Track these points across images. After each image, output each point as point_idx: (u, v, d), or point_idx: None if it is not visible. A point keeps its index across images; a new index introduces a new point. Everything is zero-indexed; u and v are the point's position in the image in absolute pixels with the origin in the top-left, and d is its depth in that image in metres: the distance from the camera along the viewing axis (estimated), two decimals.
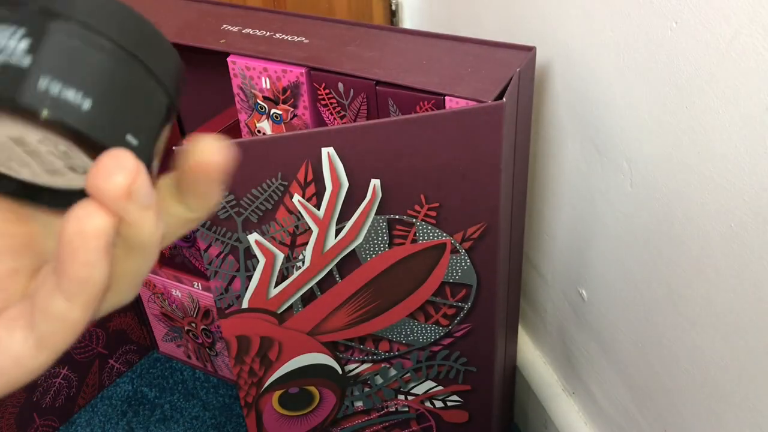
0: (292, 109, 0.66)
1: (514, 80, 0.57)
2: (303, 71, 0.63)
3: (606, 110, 0.59)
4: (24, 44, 0.21)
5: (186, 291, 0.93)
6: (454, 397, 0.74)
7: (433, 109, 0.59)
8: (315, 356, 0.69)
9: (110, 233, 0.21)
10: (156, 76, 0.24)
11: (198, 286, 0.92)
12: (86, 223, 0.20)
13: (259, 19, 0.72)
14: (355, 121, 0.65)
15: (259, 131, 0.70)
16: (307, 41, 0.67)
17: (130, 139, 0.22)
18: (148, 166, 0.23)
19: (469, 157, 0.56)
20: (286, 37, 0.67)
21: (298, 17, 0.72)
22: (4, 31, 0.21)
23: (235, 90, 0.68)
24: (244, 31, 0.69)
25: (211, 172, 0.23)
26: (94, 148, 0.22)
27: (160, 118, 0.24)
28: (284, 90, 0.65)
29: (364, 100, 0.62)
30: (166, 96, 0.24)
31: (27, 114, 0.21)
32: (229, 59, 0.66)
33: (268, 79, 0.65)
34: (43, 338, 0.22)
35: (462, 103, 0.56)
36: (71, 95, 0.21)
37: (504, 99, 0.54)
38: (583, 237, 0.68)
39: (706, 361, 0.54)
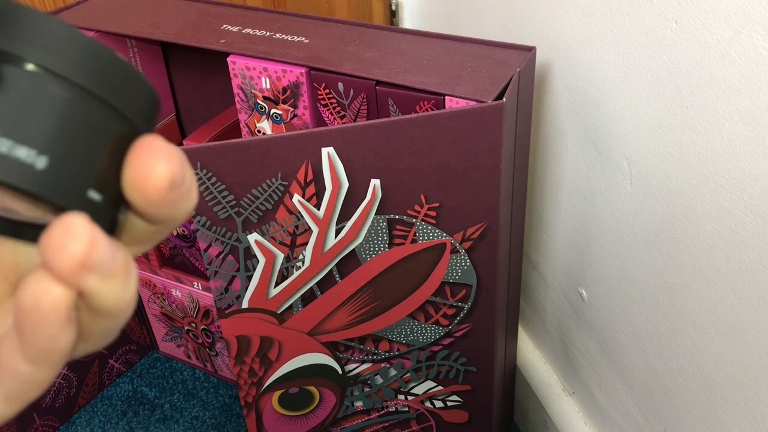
0: (292, 109, 0.66)
1: (514, 80, 0.57)
2: (303, 71, 0.63)
3: (606, 110, 0.59)
4: None
5: (186, 291, 0.93)
6: (454, 397, 0.74)
7: (433, 109, 0.59)
8: (315, 356, 0.69)
9: (70, 305, 0.19)
10: (124, 116, 0.21)
11: (198, 286, 0.92)
12: (42, 298, 0.18)
13: (259, 19, 0.72)
14: (355, 121, 0.65)
15: (259, 131, 0.70)
16: (307, 41, 0.67)
17: (93, 195, 0.20)
18: (116, 217, 0.21)
19: (469, 157, 0.56)
20: (286, 37, 0.67)
21: (298, 17, 0.72)
22: None
23: (235, 90, 0.68)
24: (244, 31, 0.69)
25: (149, 194, 0.20)
26: (51, 208, 0.19)
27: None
28: (284, 90, 0.65)
29: (364, 100, 0.62)
30: (136, 134, 0.21)
31: None
32: (229, 59, 0.66)
33: (268, 79, 0.65)
34: (10, 394, 0.21)
35: (462, 103, 0.56)
36: (23, 153, 0.19)
37: (504, 99, 0.54)
38: (583, 237, 0.68)
39: (706, 361, 0.54)
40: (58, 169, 0.19)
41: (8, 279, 0.23)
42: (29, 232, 0.22)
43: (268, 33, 0.69)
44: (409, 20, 1.01)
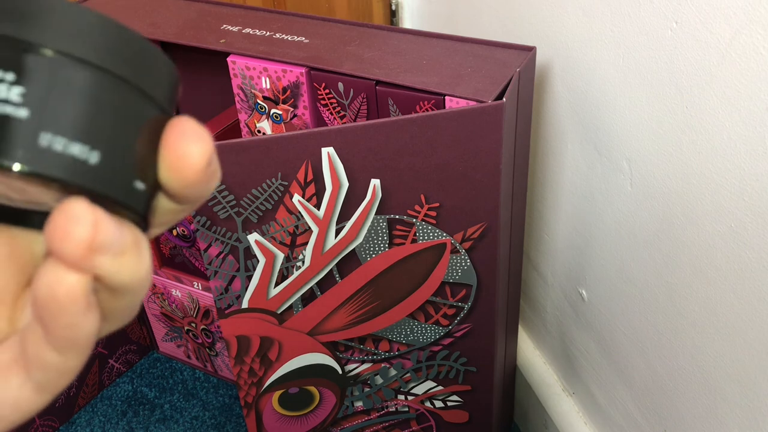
0: (292, 109, 0.66)
1: (514, 80, 0.57)
2: (303, 71, 0.63)
3: (606, 110, 0.59)
4: (16, 92, 0.18)
5: (186, 291, 0.93)
6: (454, 397, 0.74)
7: (433, 109, 0.59)
8: (315, 356, 0.69)
9: (87, 290, 0.19)
10: (153, 99, 0.20)
11: (198, 286, 0.92)
12: (57, 289, 0.18)
13: (259, 19, 0.72)
14: (355, 121, 0.65)
15: (259, 131, 0.70)
16: (307, 41, 0.67)
17: (138, 185, 0.20)
18: (152, 203, 0.21)
19: (470, 157, 0.56)
20: (286, 37, 0.67)
21: (298, 17, 0.72)
22: None
23: (235, 90, 0.68)
24: (244, 31, 0.69)
25: (187, 177, 0.20)
26: (101, 201, 0.19)
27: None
28: (284, 90, 0.65)
29: (364, 100, 0.62)
30: (166, 117, 0.21)
31: (30, 176, 0.18)
32: (229, 59, 0.66)
33: (268, 79, 0.65)
34: (40, 385, 0.21)
35: (462, 103, 0.56)
36: (77, 150, 0.19)
37: (504, 99, 0.54)
38: (583, 237, 0.68)
39: (706, 361, 0.54)
40: (109, 162, 0.19)
41: (25, 270, 0.22)
42: (37, 220, 0.22)
43: (268, 33, 0.68)
44: (409, 20, 1.01)
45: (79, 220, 0.18)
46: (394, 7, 1.02)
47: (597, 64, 0.58)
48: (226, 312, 0.66)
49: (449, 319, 0.67)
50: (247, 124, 0.70)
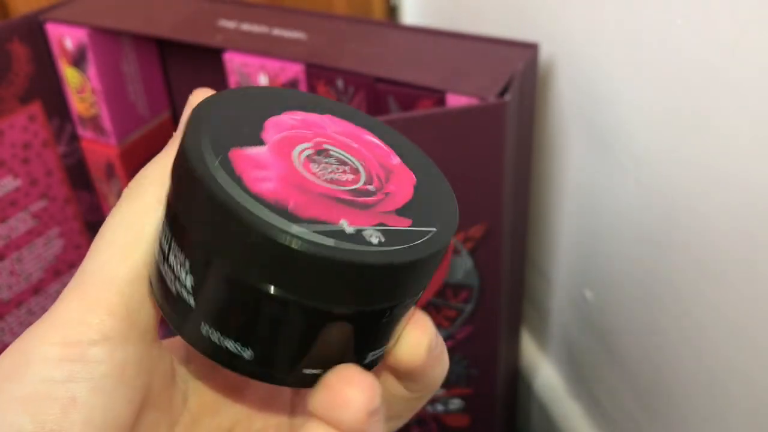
0: None
1: (517, 77, 0.56)
2: (301, 68, 0.62)
3: (610, 107, 0.58)
4: (189, 281, 0.20)
5: None
6: (456, 401, 0.73)
7: (434, 107, 0.58)
8: None
9: None
10: (335, 316, 0.21)
11: None
12: None
13: (257, 14, 0.71)
14: None
15: None
16: (305, 37, 0.66)
17: (309, 371, 0.21)
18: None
19: (471, 155, 0.55)
20: (284, 33, 0.67)
21: (297, 13, 0.71)
22: (178, 255, 0.20)
23: (232, 87, 0.67)
24: (241, 27, 0.68)
25: (417, 370, 0.22)
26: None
27: (344, 343, 0.22)
28: (283, 87, 0.64)
29: (364, 97, 0.62)
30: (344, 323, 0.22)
31: (196, 350, 0.21)
32: (225, 56, 0.65)
33: (266, 76, 0.64)
34: None
35: (464, 101, 0.56)
36: (230, 344, 0.20)
37: (507, 96, 0.53)
38: (588, 237, 0.68)
39: (713, 366, 0.53)
40: (265, 358, 0.21)
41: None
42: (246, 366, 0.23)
43: (265, 29, 0.68)
44: (409, 16, 1.01)
45: (362, 390, 0.19)
46: (393, 3, 1.02)
47: (601, 60, 0.58)
48: None
49: (450, 321, 0.66)
50: None
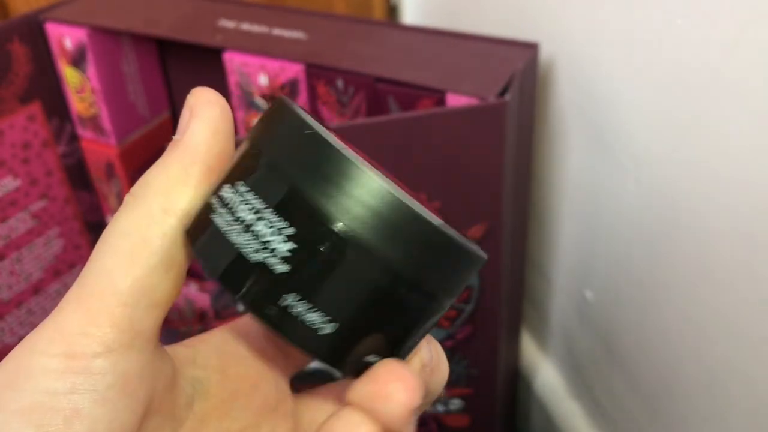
0: None
1: (517, 77, 0.56)
2: (301, 68, 0.62)
3: (610, 107, 0.58)
4: (286, 247, 0.19)
5: (182, 293, 0.92)
6: (456, 401, 0.73)
7: (434, 107, 0.58)
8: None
9: None
10: (433, 295, 0.21)
11: (193, 287, 0.91)
12: None
13: (256, 14, 0.71)
14: (354, 118, 0.64)
15: None
16: (305, 37, 0.66)
17: (371, 359, 0.21)
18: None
19: (472, 155, 0.55)
20: (284, 33, 0.67)
21: (297, 12, 0.71)
22: (275, 222, 0.19)
23: (232, 87, 0.67)
24: (240, 27, 0.68)
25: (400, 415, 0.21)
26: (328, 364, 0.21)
27: (419, 328, 0.22)
28: (282, 87, 0.64)
29: (364, 97, 0.62)
30: (440, 308, 0.22)
31: (264, 323, 0.20)
32: (225, 56, 0.65)
33: (266, 76, 0.64)
34: None
35: (464, 101, 0.56)
36: (313, 317, 0.19)
37: (507, 96, 0.53)
38: (588, 237, 0.68)
39: (713, 366, 0.53)
40: (341, 338, 0.20)
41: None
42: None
43: (265, 28, 0.68)
44: (409, 16, 1.01)
45: (404, 382, 0.19)
46: (393, 3, 1.01)
47: (601, 60, 0.58)
48: (223, 314, 0.65)
49: (450, 321, 0.66)
50: (244, 122, 0.69)
